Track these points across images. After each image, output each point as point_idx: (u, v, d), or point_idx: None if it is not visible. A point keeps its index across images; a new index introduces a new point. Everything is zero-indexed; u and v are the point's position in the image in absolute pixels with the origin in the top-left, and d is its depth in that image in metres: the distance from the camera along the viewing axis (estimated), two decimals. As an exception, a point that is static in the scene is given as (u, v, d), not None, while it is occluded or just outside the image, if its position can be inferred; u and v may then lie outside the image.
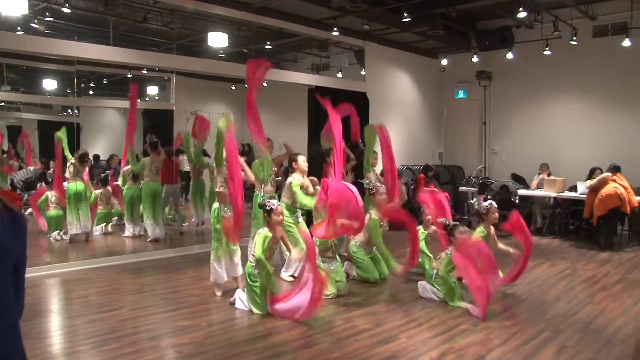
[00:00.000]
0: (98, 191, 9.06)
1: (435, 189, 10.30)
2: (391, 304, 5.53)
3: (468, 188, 10.96)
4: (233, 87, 13.72)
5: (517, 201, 9.58)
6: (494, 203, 6.30)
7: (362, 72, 10.75)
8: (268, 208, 5.16)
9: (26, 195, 9.46)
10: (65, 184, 8.15)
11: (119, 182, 9.23)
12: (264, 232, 5.11)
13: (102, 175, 9.44)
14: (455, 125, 13.05)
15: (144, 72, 10.30)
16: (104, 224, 8.97)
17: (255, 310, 5.03)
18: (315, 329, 4.66)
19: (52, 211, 8.26)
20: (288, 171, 6.85)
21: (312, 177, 6.69)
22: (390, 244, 6.48)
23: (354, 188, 5.30)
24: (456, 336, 4.50)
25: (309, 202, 6.15)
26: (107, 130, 11.77)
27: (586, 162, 9.59)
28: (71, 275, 6.40)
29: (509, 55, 10.89)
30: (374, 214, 6.45)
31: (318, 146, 7.39)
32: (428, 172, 10.38)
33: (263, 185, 6.85)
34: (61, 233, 8.22)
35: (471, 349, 4.21)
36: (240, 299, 5.23)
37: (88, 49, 7.12)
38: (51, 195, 8.30)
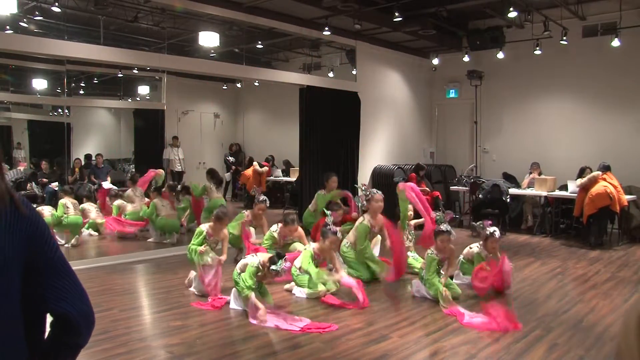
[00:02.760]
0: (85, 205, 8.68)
1: (426, 188, 10.38)
2: (383, 303, 5.54)
3: (459, 187, 11.00)
4: (224, 87, 13.72)
5: (508, 200, 9.63)
6: (496, 230, 6.06)
7: (354, 72, 10.75)
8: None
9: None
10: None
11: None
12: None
13: (86, 190, 9.27)
14: (446, 124, 13.09)
15: (135, 71, 10.27)
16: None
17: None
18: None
19: (72, 217, 7.96)
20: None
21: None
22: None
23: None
24: (448, 335, 4.52)
25: None
26: (97, 130, 11.72)
27: (576, 161, 9.66)
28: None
29: (500, 55, 10.93)
30: (366, 219, 6.44)
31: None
32: (419, 171, 10.41)
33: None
34: (71, 237, 8.00)
35: (463, 347, 4.22)
36: (236, 298, 5.21)
37: (78, 48, 7.08)
38: (67, 201, 8.01)
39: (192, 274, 5.86)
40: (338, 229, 5.94)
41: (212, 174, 8.90)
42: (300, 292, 5.71)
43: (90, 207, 8.84)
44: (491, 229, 5.96)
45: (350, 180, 10.22)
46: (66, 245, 7.83)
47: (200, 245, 5.75)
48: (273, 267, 4.84)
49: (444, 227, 5.56)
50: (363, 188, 6.84)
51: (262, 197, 7.05)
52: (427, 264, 5.54)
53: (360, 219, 6.55)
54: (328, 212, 6.39)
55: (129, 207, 8.88)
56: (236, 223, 7.03)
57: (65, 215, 7.90)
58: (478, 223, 6.24)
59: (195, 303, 5.36)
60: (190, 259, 5.79)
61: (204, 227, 5.90)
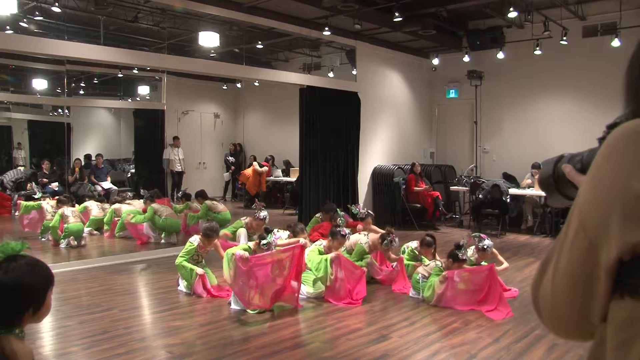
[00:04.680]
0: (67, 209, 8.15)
1: (426, 186, 10.41)
2: (383, 303, 5.54)
3: (459, 187, 11.00)
4: (224, 87, 13.73)
5: (508, 200, 9.64)
6: (488, 247, 5.93)
7: (354, 72, 10.74)
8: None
9: (16, 196, 9.40)
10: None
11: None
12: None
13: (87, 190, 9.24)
14: (446, 124, 13.08)
15: (135, 71, 10.27)
16: (72, 237, 7.97)
17: (250, 311, 5.05)
18: (307, 329, 4.67)
19: (73, 224, 7.87)
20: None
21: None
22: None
23: None
24: (448, 335, 4.52)
25: None
26: (97, 130, 11.74)
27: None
28: (62, 276, 6.36)
29: (500, 55, 10.92)
30: (366, 242, 6.39)
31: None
32: (414, 169, 10.48)
33: None
34: (75, 240, 7.92)
35: (463, 347, 4.22)
36: (237, 298, 5.22)
37: (78, 48, 7.07)
38: (67, 210, 7.91)
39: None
40: (348, 230, 6.00)
41: (202, 195, 9.03)
42: (303, 290, 5.69)
43: (92, 205, 8.84)
44: (486, 243, 5.90)
45: (351, 180, 10.23)
46: (66, 245, 7.84)
47: (189, 255, 5.77)
48: (263, 242, 5.19)
49: (463, 254, 5.48)
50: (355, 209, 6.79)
51: (263, 214, 6.98)
52: (434, 270, 5.54)
53: (364, 239, 6.44)
54: (341, 214, 6.46)
55: (124, 208, 8.82)
56: (235, 229, 7.07)
57: (67, 225, 7.84)
58: (475, 234, 6.18)
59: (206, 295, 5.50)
60: (183, 274, 5.80)
61: (195, 240, 5.86)
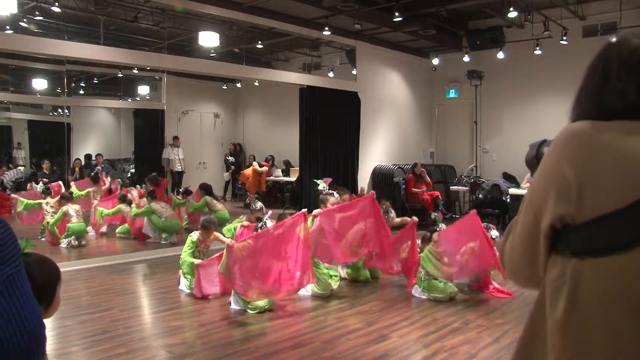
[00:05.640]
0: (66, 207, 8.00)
1: (424, 187, 10.40)
2: (383, 303, 5.54)
3: (459, 187, 11.00)
4: (224, 87, 13.73)
5: (508, 200, 9.63)
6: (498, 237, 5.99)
7: (354, 72, 10.75)
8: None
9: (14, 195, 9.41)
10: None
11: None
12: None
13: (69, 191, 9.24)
14: (446, 124, 13.08)
15: (135, 71, 10.27)
16: (73, 237, 7.93)
17: (250, 311, 5.04)
18: (307, 329, 4.67)
19: (75, 224, 7.85)
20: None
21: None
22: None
23: None
24: (448, 335, 4.51)
25: None
26: (97, 130, 11.73)
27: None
28: (62, 275, 6.34)
29: (500, 55, 10.92)
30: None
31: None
32: (414, 169, 10.48)
33: None
34: (76, 240, 7.90)
35: (463, 347, 4.22)
36: (237, 298, 5.22)
37: (78, 48, 7.08)
38: (70, 208, 7.87)
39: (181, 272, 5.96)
40: (335, 192, 6.23)
41: (205, 189, 9.00)
42: (308, 288, 5.66)
43: (96, 195, 8.84)
44: (493, 233, 5.91)
45: (351, 180, 10.24)
46: (67, 245, 7.83)
47: (191, 250, 5.78)
48: (259, 225, 5.42)
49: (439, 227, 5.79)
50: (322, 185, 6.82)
51: (259, 205, 6.89)
52: (425, 251, 5.65)
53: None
54: (319, 181, 6.51)
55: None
56: (234, 225, 7.06)
57: (69, 224, 7.81)
58: (483, 224, 6.17)
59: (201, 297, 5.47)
60: (186, 270, 5.79)
61: (195, 235, 5.88)
